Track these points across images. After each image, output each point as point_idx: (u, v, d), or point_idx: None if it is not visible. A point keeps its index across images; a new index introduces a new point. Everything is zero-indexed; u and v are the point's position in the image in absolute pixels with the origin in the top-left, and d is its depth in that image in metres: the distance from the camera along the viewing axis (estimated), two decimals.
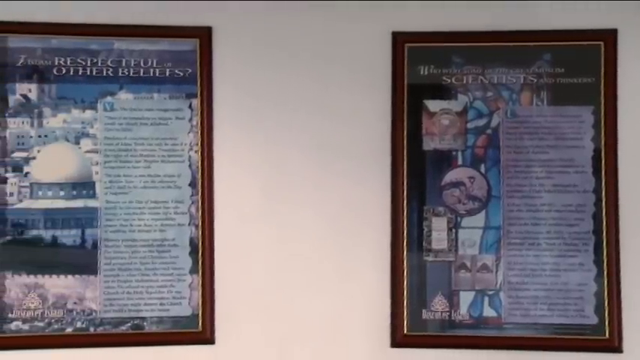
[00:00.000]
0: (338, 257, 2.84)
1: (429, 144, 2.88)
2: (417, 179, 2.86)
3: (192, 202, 2.81)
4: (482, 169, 2.87)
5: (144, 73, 2.83)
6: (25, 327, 2.71)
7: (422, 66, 2.90)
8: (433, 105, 2.89)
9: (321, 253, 2.84)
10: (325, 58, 2.88)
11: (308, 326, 2.82)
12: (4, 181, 2.74)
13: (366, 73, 2.88)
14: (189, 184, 2.82)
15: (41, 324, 2.72)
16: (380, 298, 2.83)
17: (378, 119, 2.86)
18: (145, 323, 2.76)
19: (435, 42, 2.90)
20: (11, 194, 2.74)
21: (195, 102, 2.84)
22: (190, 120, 2.84)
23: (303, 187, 2.85)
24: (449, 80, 2.89)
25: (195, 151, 2.82)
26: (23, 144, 2.77)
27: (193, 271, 2.79)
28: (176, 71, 2.84)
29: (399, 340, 2.82)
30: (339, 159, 2.86)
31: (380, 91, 2.88)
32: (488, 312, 2.83)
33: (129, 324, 2.76)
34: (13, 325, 2.70)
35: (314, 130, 2.86)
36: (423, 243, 2.85)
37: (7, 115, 2.75)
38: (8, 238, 2.73)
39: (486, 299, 2.83)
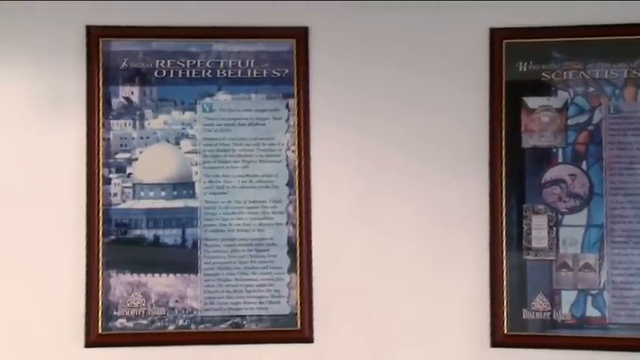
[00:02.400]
0: (436, 256, 2.82)
1: (528, 141, 2.83)
2: (516, 177, 2.82)
3: (290, 202, 2.83)
4: (584, 166, 2.81)
5: (242, 74, 2.86)
6: (130, 324, 2.77)
7: (520, 62, 2.85)
8: (532, 102, 2.84)
9: (418, 252, 2.82)
10: (422, 56, 2.86)
11: (406, 326, 2.80)
12: (109, 181, 2.81)
13: (464, 70, 2.85)
14: (287, 184, 2.84)
15: (144, 322, 2.78)
16: (479, 297, 2.79)
17: (476, 117, 2.83)
18: (244, 321, 2.79)
19: (533, 38, 2.85)
20: (115, 194, 2.81)
21: (292, 102, 2.85)
22: (287, 120, 2.86)
23: (401, 185, 2.84)
24: (548, 76, 2.84)
25: (293, 151, 2.84)
26: (126, 145, 2.83)
27: (291, 270, 2.81)
28: (273, 72, 2.87)
29: (499, 340, 2.78)
30: (436, 157, 2.84)
31: (478, 88, 2.84)
32: (592, 312, 2.76)
33: (229, 322, 2.79)
34: (118, 323, 2.77)
35: (411, 129, 2.85)
36: (523, 242, 2.80)
37: (110, 117, 2.82)
38: (112, 237, 2.79)
39: (589, 299, 2.77)
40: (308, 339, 2.78)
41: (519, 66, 2.85)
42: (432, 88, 2.85)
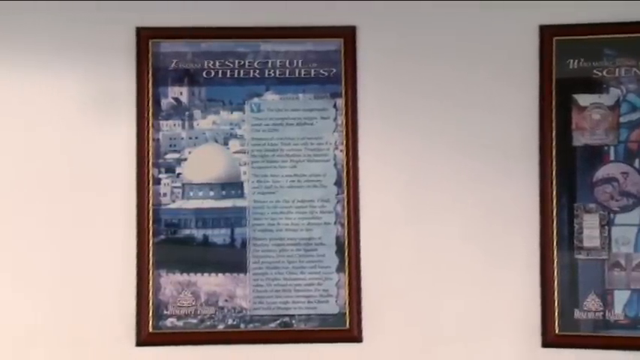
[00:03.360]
0: (486, 256, 2.80)
1: (579, 139, 2.80)
2: (566, 176, 2.79)
3: (338, 201, 2.83)
4: (637, 164, 2.77)
5: (289, 74, 2.87)
6: (180, 324, 2.79)
7: (571, 60, 2.82)
8: (583, 99, 2.81)
9: (468, 252, 2.80)
10: (471, 54, 2.84)
11: (455, 325, 2.78)
12: (158, 182, 2.83)
13: (513, 68, 2.83)
14: (335, 183, 2.84)
15: (194, 321, 2.80)
16: (530, 297, 2.77)
17: (525, 115, 2.81)
18: (293, 321, 2.80)
19: (584, 34, 2.81)
20: (164, 195, 2.83)
21: (340, 101, 2.85)
22: (335, 119, 2.86)
23: (449, 184, 2.82)
24: (600, 74, 2.80)
25: (341, 150, 2.84)
26: (175, 145, 2.85)
27: (340, 269, 2.81)
28: (321, 71, 2.87)
29: (550, 340, 2.75)
30: (485, 156, 2.82)
31: (527, 86, 2.82)
32: None
33: (277, 321, 2.80)
34: (169, 322, 2.79)
35: (459, 128, 2.83)
36: (574, 241, 2.77)
37: (159, 117, 2.84)
38: (162, 237, 2.82)
39: None
40: (357, 338, 2.77)
41: (570, 63, 2.82)
42: (481, 87, 2.83)
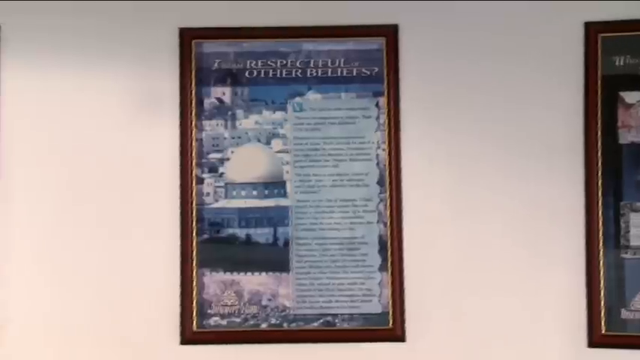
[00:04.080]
0: (530, 255, 2.77)
1: (625, 137, 2.76)
2: (612, 174, 2.75)
3: (381, 200, 2.82)
4: None
5: (331, 73, 2.87)
6: (223, 322, 2.80)
7: (617, 57, 2.79)
8: (630, 97, 2.78)
9: (512, 250, 2.78)
10: (515, 51, 2.82)
11: (499, 325, 2.76)
12: (201, 181, 2.84)
13: (558, 65, 2.80)
14: (377, 182, 2.83)
15: (238, 320, 2.80)
16: (575, 297, 2.74)
17: (570, 112, 2.78)
18: (336, 320, 2.80)
19: (630, 31, 2.78)
20: (207, 194, 2.84)
21: (382, 100, 2.85)
22: (377, 118, 2.85)
23: (493, 182, 2.80)
24: None
25: (383, 149, 2.83)
26: (218, 145, 2.86)
27: (383, 268, 2.80)
28: (363, 70, 2.87)
29: (596, 340, 2.72)
30: (530, 154, 2.79)
31: (572, 83, 2.79)
32: None
33: (320, 320, 2.80)
34: (212, 321, 2.80)
35: (504, 125, 2.81)
36: (621, 240, 2.73)
37: (202, 117, 2.86)
38: (206, 236, 2.83)
39: None
40: (400, 338, 2.76)
41: (616, 60, 2.79)
42: (526, 84, 2.81)
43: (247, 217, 2.84)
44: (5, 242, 2.75)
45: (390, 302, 2.78)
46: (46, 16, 2.85)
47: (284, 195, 2.85)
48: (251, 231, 2.84)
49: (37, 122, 2.83)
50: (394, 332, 2.77)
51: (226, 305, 2.80)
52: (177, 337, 2.78)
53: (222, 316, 2.80)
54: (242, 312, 2.80)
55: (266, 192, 2.85)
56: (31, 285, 2.76)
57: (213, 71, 2.87)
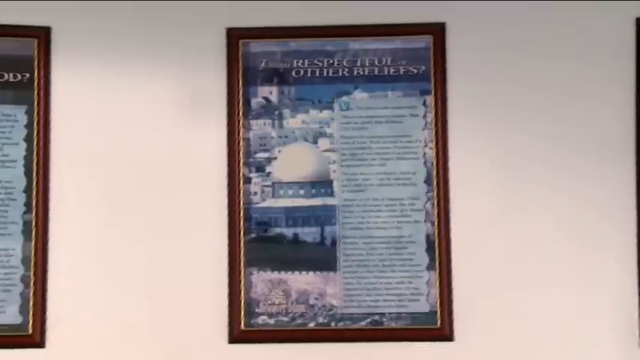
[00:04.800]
0: (580, 252, 2.75)
1: None
2: None
3: (428, 199, 2.81)
4: None
5: (378, 72, 2.87)
6: (271, 321, 2.81)
7: None
8: None
9: (562, 249, 2.75)
10: (565, 47, 2.81)
11: (549, 324, 2.73)
12: (249, 181, 2.86)
13: (608, 60, 2.78)
14: (425, 181, 2.82)
15: (285, 319, 2.81)
16: (627, 295, 2.71)
17: (621, 108, 2.76)
18: (383, 319, 2.79)
19: None
20: (255, 193, 2.85)
21: (430, 98, 2.84)
22: (425, 117, 2.84)
23: (542, 180, 2.78)
24: None
25: (430, 148, 2.82)
26: (265, 145, 2.87)
27: (430, 267, 2.78)
28: (410, 69, 2.86)
29: None
30: (580, 151, 2.77)
31: (623, 79, 2.77)
32: None
33: (368, 320, 2.79)
34: (260, 320, 2.80)
35: (553, 122, 2.79)
36: None
37: (250, 117, 2.87)
38: (253, 235, 2.84)
39: None
40: (448, 337, 2.75)
41: None
42: (576, 80, 2.79)
43: (294, 217, 2.85)
44: (57, 242, 2.78)
45: (438, 301, 2.76)
46: (95, 18, 2.88)
47: (331, 194, 2.85)
48: (298, 230, 2.84)
49: (86, 123, 2.86)
50: (442, 331, 2.75)
51: (274, 304, 2.81)
52: (225, 336, 2.78)
53: (270, 315, 2.81)
54: (289, 311, 2.81)
55: (313, 191, 2.86)
56: (81, 285, 2.78)
57: (260, 71, 2.88)
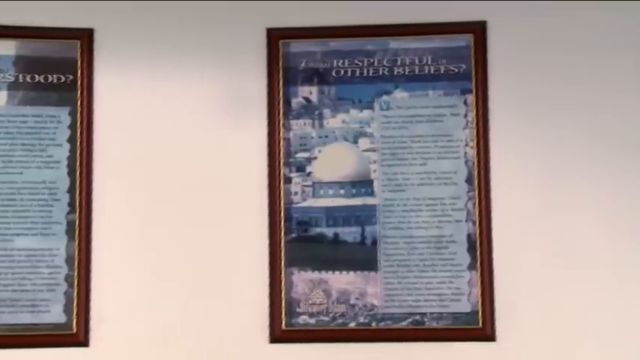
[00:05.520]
0: (624, 252, 2.72)
1: None
2: None
3: (469, 198, 2.80)
4: None
5: (419, 71, 2.86)
6: (312, 321, 2.81)
7: None
8: None
9: (605, 248, 2.73)
10: (607, 45, 2.79)
11: (592, 324, 2.71)
12: (289, 180, 2.86)
13: None
14: (466, 181, 2.80)
15: (326, 318, 2.81)
16: None
17: None
18: (424, 319, 2.78)
19: None
20: (295, 193, 2.86)
21: (471, 97, 2.82)
22: (465, 116, 2.83)
23: (585, 178, 2.76)
24: None
25: (471, 147, 2.81)
26: (305, 145, 2.88)
27: (472, 267, 2.77)
28: (451, 68, 2.85)
29: None
30: (623, 148, 2.75)
31: None
32: None
33: (409, 320, 2.78)
34: (301, 319, 2.81)
35: (596, 120, 2.77)
36: None
37: (290, 117, 2.88)
38: (294, 235, 2.84)
39: None
40: (490, 337, 2.73)
41: None
42: (619, 76, 2.77)
43: (335, 216, 2.85)
44: (100, 242, 2.81)
45: (480, 301, 2.75)
46: (137, 20, 2.91)
47: (371, 194, 2.84)
48: (339, 230, 2.84)
49: (128, 124, 2.88)
50: (484, 331, 2.73)
51: (314, 304, 2.81)
52: (266, 336, 2.79)
53: (311, 315, 2.81)
54: (330, 311, 2.81)
55: (353, 191, 2.85)
56: (124, 284, 2.80)
57: (301, 71, 2.89)
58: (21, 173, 2.81)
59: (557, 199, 2.76)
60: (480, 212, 2.77)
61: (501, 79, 2.81)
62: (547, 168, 2.78)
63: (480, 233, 2.77)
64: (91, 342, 2.76)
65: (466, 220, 2.79)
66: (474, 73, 2.83)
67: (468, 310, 2.76)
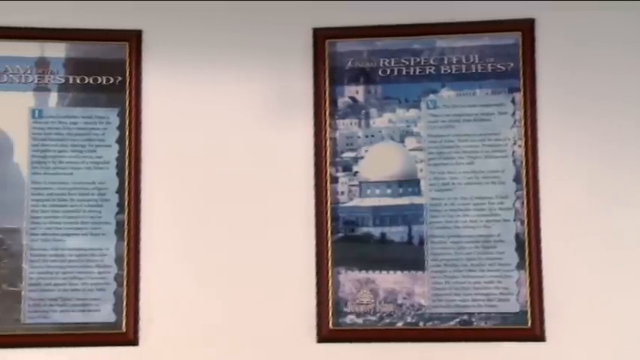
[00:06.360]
0: None
1: None
2: None
3: (517, 198, 2.77)
4: None
5: (466, 70, 2.85)
6: (359, 321, 2.81)
7: None
8: None
9: None
10: None
11: None
12: (336, 180, 2.86)
13: None
14: (514, 180, 2.78)
15: (373, 318, 2.80)
16: None
17: None
18: (472, 319, 2.76)
19: None
20: (342, 193, 2.86)
21: (518, 96, 2.80)
22: (513, 114, 2.81)
23: (635, 178, 2.73)
24: None
25: (519, 146, 2.78)
26: (352, 144, 2.88)
27: (520, 267, 2.74)
28: (498, 66, 2.83)
29: None
30: None
31: None
32: None
33: (457, 319, 2.77)
34: (348, 319, 2.80)
35: None
36: None
37: (336, 116, 2.88)
38: (340, 235, 2.84)
39: None
40: (539, 337, 2.70)
41: None
42: None
43: (381, 216, 2.84)
44: (148, 242, 2.83)
45: (529, 301, 2.72)
46: (184, 21, 2.93)
47: (418, 193, 2.83)
48: (385, 229, 2.83)
49: (176, 124, 2.90)
50: (533, 332, 2.71)
51: (362, 304, 2.81)
52: (313, 336, 2.79)
53: (358, 315, 2.81)
54: (377, 310, 2.80)
55: (400, 190, 2.85)
56: (172, 283, 2.82)
57: (347, 70, 2.89)
58: (71, 174, 2.84)
59: (607, 197, 2.73)
60: (528, 211, 2.75)
61: (550, 77, 2.79)
62: (596, 166, 2.75)
63: (529, 232, 2.74)
64: (141, 341, 2.78)
65: (514, 220, 2.77)
66: (521, 71, 2.80)
67: (517, 310, 2.73)
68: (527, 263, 2.74)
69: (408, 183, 2.84)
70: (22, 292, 2.77)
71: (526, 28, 2.81)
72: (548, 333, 2.71)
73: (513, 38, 2.82)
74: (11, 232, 2.79)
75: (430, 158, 2.83)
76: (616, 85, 2.76)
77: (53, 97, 2.88)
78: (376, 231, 2.84)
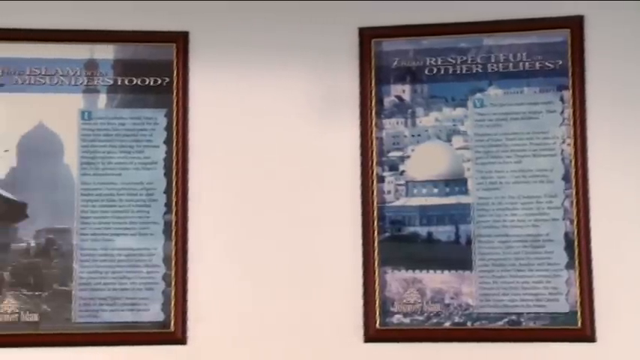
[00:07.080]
0: None
1: None
2: None
3: (566, 197, 2.74)
4: None
5: (513, 68, 2.82)
6: (406, 320, 2.80)
7: None
8: None
9: None
10: None
11: None
12: (382, 180, 2.86)
13: None
14: (562, 178, 2.75)
15: (420, 318, 2.79)
16: None
17: None
18: (521, 319, 2.73)
19: None
20: (388, 192, 2.85)
21: (567, 94, 2.77)
22: (562, 113, 2.78)
23: None
24: None
25: (568, 144, 2.75)
26: (398, 143, 2.87)
27: (569, 266, 2.72)
28: (546, 64, 2.80)
29: None
30: None
31: None
32: None
33: (505, 319, 2.74)
34: (395, 319, 2.80)
35: None
36: None
37: (382, 116, 2.88)
38: (387, 234, 2.84)
39: None
40: (590, 338, 2.67)
41: None
42: None
43: (428, 215, 2.83)
44: (196, 242, 2.85)
45: (579, 301, 2.69)
46: (231, 22, 2.94)
47: (465, 192, 2.82)
48: (432, 229, 2.82)
49: (223, 125, 2.92)
50: (583, 332, 2.68)
51: (409, 303, 2.80)
52: (360, 335, 2.79)
53: (405, 315, 2.80)
54: (425, 310, 2.79)
55: (447, 189, 2.83)
56: (220, 283, 2.83)
57: (393, 69, 2.88)
58: (120, 174, 2.87)
59: None
60: (577, 210, 2.72)
61: (599, 75, 2.75)
62: None
63: (578, 232, 2.71)
64: (189, 340, 2.80)
65: (563, 219, 2.74)
66: (570, 68, 2.77)
67: (567, 310, 2.70)
68: (576, 263, 2.71)
69: (455, 182, 2.83)
70: (73, 292, 2.80)
71: (575, 25, 2.78)
72: (598, 333, 2.67)
73: (562, 36, 2.79)
74: (62, 232, 2.83)
75: (477, 157, 2.82)
76: None
77: (102, 99, 2.91)
78: (423, 230, 2.83)
